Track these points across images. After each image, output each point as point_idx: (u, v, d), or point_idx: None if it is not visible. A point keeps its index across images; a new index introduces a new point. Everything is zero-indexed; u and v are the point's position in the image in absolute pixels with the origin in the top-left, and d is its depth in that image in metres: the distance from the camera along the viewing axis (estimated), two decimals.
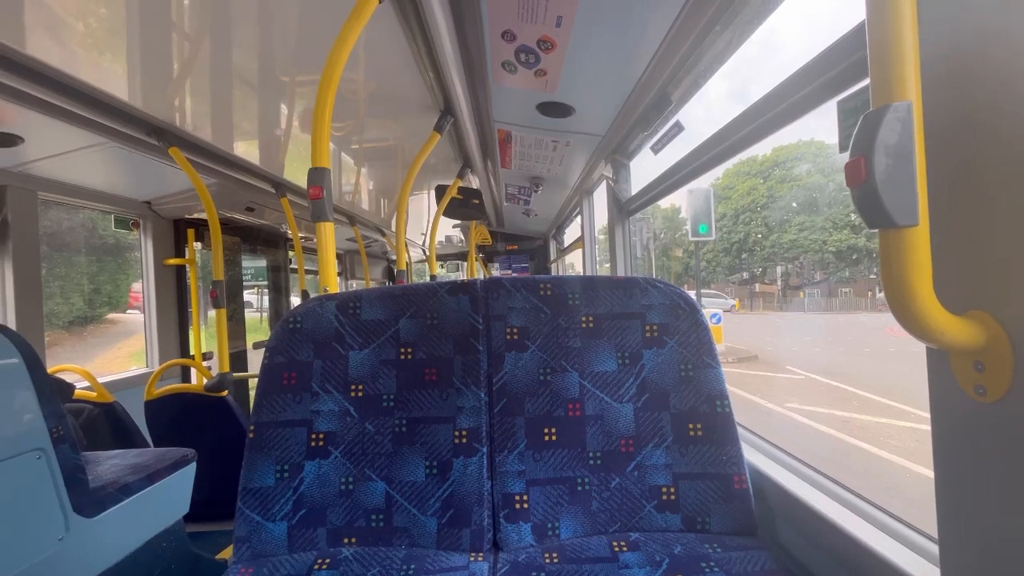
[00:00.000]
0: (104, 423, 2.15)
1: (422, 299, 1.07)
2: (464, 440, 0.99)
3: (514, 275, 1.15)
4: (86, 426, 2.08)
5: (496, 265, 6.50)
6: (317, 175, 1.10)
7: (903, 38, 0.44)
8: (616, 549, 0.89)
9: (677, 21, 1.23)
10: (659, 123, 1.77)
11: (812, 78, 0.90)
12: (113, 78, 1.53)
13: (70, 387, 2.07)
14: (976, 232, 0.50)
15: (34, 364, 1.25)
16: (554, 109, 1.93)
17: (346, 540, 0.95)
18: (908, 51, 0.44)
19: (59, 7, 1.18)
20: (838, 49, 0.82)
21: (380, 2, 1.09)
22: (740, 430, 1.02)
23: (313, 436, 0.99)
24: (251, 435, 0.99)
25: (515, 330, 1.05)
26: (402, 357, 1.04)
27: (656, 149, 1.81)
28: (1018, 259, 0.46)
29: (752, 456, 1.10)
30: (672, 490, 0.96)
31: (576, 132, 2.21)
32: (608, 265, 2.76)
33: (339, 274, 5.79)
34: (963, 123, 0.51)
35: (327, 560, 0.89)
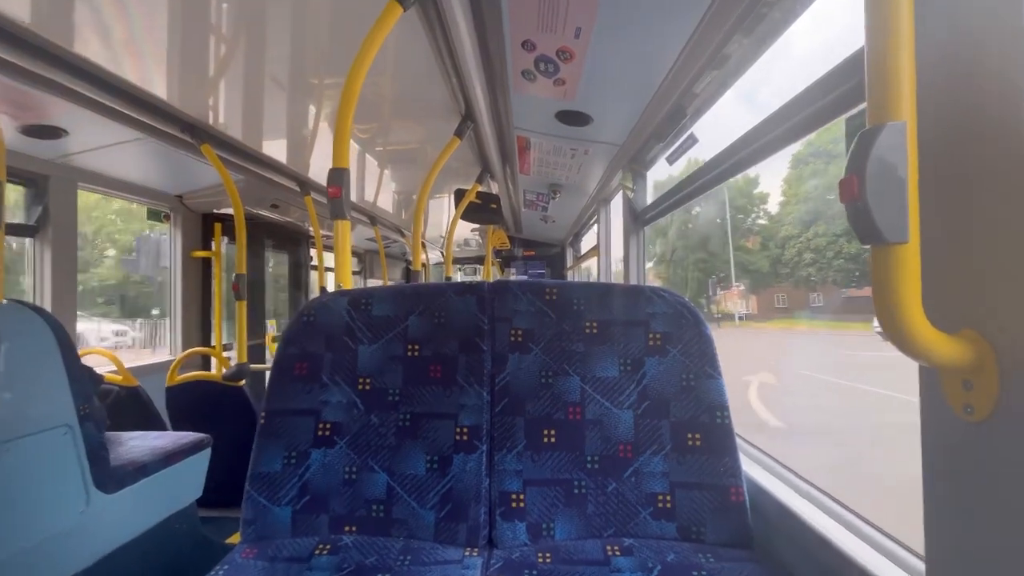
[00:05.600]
0: (128, 405, 2.24)
1: (431, 298, 1.10)
2: (465, 437, 1.01)
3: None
4: (111, 407, 2.17)
5: (512, 270, 6.52)
6: (337, 175, 1.15)
7: (900, 60, 0.45)
8: (609, 553, 0.90)
9: (695, 34, 1.24)
10: (675, 134, 1.78)
11: (823, 94, 0.90)
12: (153, 77, 1.62)
13: (99, 377, 2.17)
14: (967, 251, 0.50)
15: (66, 345, 1.33)
16: (572, 118, 1.96)
17: (347, 528, 0.98)
18: (904, 73, 0.45)
19: (105, 9, 1.26)
20: (848, 66, 0.82)
21: (405, 10, 1.14)
22: (739, 442, 1.02)
23: (320, 425, 1.03)
24: (262, 421, 1.03)
25: (519, 332, 1.07)
26: (409, 354, 1.07)
27: (671, 160, 1.82)
28: (1006, 278, 0.47)
29: (751, 469, 1.09)
30: (668, 498, 0.96)
31: (594, 141, 2.23)
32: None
33: (358, 272, 5.90)
34: (956, 144, 0.51)
35: (328, 546, 0.93)
